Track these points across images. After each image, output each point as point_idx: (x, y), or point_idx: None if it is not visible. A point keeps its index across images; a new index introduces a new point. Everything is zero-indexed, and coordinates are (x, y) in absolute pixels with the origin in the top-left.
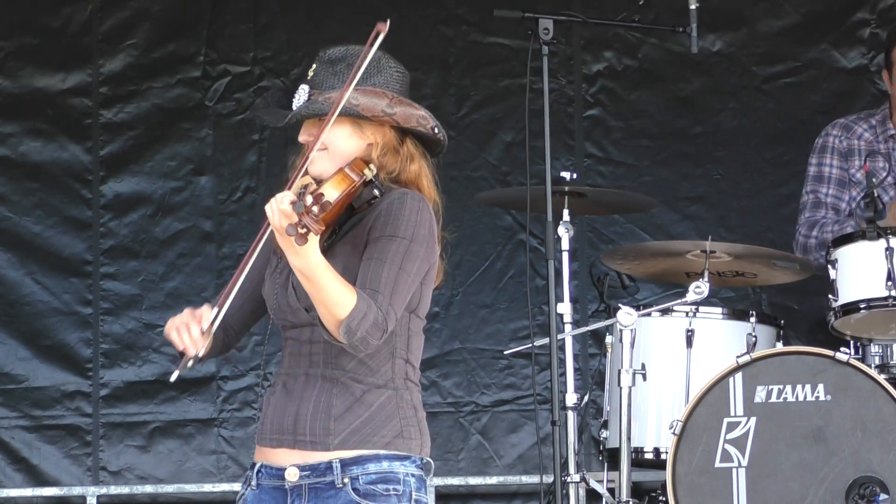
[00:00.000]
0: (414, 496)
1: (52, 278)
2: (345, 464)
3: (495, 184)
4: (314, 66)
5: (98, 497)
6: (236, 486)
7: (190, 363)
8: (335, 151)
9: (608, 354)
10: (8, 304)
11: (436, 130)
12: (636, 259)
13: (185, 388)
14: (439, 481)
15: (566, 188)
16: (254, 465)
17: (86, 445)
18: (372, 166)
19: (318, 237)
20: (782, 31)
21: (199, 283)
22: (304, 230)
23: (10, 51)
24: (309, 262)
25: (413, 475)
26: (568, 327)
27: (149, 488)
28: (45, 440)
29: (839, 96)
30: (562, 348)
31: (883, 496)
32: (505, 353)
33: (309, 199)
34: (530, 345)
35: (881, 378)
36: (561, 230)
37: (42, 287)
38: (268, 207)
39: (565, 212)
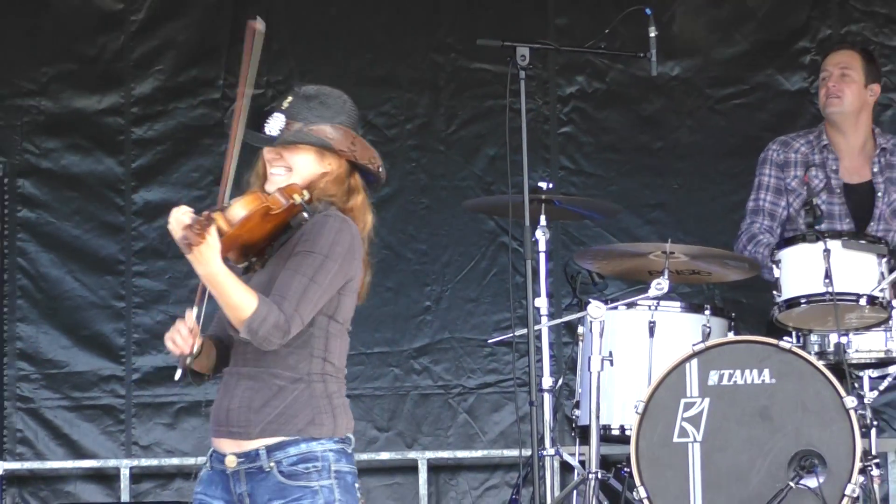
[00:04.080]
0: (333, 468)
1: (90, 276)
2: (270, 450)
3: (480, 192)
4: (290, 98)
5: (130, 468)
6: None
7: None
8: (298, 173)
9: (580, 343)
10: (51, 298)
11: (380, 169)
12: (604, 259)
13: None
14: (431, 454)
15: (542, 196)
16: (210, 449)
17: (119, 423)
18: (305, 192)
19: (214, 248)
20: (733, 57)
21: None
22: (186, 242)
23: (52, 75)
24: (208, 270)
25: (332, 450)
26: (544, 319)
27: (175, 461)
28: (83, 418)
29: (783, 115)
30: (539, 338)
31: (821, 467)
32: (488, 342)
33: (203, 215)
34: (511, 334)
35: (820, 364)
36: (538, 233)
37: (81, 284)
38: (171, 218)
39: (542, 217)
